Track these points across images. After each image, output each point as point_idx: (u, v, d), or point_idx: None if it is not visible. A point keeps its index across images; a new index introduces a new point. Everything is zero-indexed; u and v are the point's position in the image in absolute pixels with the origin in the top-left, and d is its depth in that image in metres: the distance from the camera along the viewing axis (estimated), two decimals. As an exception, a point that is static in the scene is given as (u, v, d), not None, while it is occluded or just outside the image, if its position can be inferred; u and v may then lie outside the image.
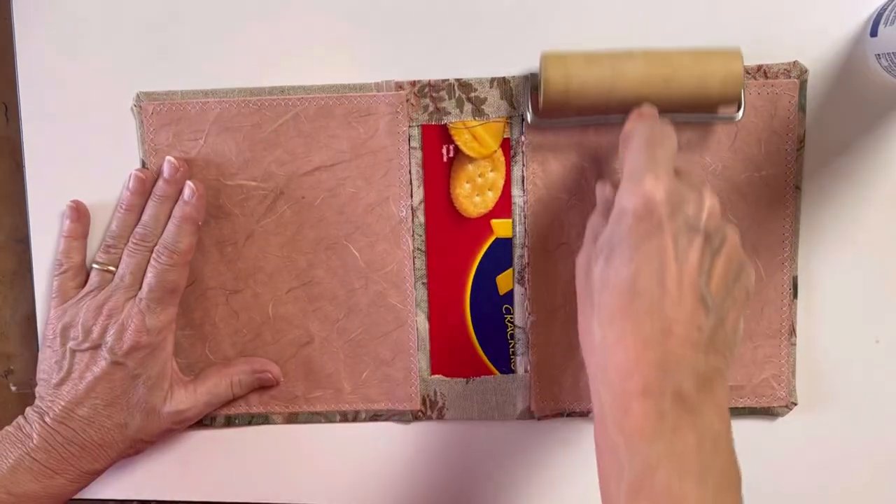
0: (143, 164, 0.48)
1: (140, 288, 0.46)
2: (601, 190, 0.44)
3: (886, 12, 0.43)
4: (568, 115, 0.45)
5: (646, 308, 0.35)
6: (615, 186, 0.39)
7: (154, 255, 0.46)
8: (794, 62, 0.46)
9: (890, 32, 0.42)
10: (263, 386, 0.50)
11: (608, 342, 0.36)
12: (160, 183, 0.47)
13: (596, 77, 0.42)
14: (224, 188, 0.48)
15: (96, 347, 0.45)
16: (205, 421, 0.50)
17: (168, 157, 0.47)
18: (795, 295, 0.48)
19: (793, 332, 0.48)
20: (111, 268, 0.47)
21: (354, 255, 0.49)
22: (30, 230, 0.50)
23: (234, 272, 0.49)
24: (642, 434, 0.34)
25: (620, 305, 0.36)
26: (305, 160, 0.48)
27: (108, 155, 0.49)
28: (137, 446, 0.47)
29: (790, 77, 0.46)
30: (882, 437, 0.50)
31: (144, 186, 0.47)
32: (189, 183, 0.47)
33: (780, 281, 0.48)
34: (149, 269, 0.46)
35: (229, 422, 0.51)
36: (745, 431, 0.50)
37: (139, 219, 0.47)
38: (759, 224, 0.47)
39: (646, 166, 0.37)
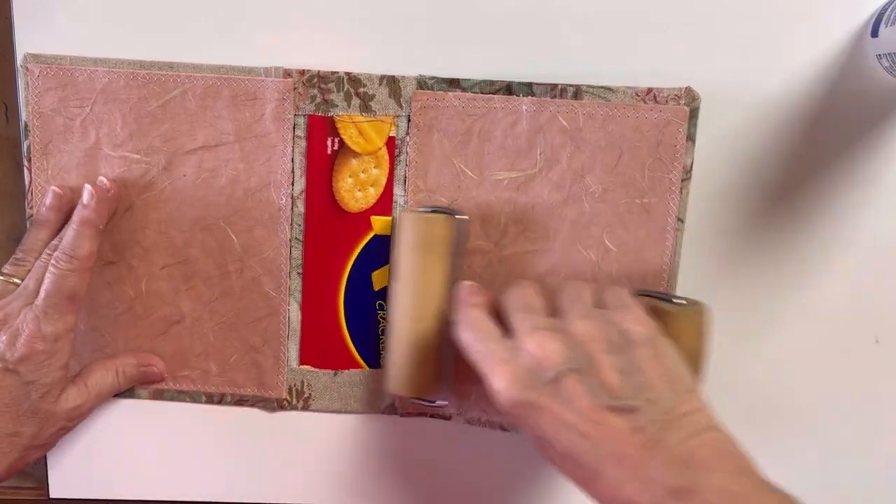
0: (26, 127, 0.48)
1: None
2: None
3: (887, 13, 0.43)
4: None
5: (587, 462, 0.36)
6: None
7: (53, 260, 0.45)
8: (687, 88, 0.45)
9: (891, 33, 0.42)
10: (149, 380, 0.50)
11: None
12: (78, 208, 0.46)
13: None
14: (107, 159, 0.48)
15: None
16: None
17: (87, 186, 0.46)
18: (666, 324, 0.48)
19: (659, 359, 0.48)
20: (16, 279, 0.46)
21: (231, 238, 0.49)
22: None
23: (109, 243, 0.49)
24: None
25: (577, 475, 0.37)
26: (189, 138, 0.48)
27: None
28: (29, 456, 0.45)
29: (680, 103, 0.45)
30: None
31: (61, 202, 0.47)
32: (87, 186, 0.46)
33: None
34: (46, 274, 0.44)
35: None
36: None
37: (51, 235, 0.47)
38: (636, 253, 0.47)
39: (486, 361, 0.39)
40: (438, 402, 0.49)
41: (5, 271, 0.46)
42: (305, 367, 0.50)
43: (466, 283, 0.44)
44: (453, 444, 0.51)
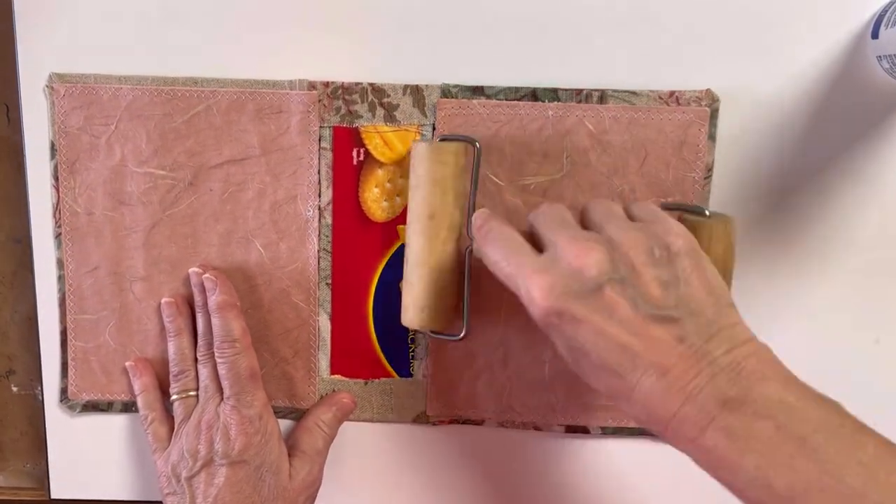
0: (52, 146, 0.48)
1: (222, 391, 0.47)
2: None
3: (887, 14, 0.43)
4: None
5: (625, 373, 0.35)
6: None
7: (217, 353, 0.46)
8: (707, 90, 0.46)
9: (891, 34, 0.42)
10: (346, 413, 0.50)
11: (640, 415, 0.36)
12: (197, 296, 0.48)
13: None
14: (133, 175, 0.48)
15: (209, 463, 0.45)
16: (101, 406, 0.51)
17: (192, 270, 0.48)
18: (693, 321, 0.48)
19: (688, 357, 0.49)
20: (191, 392, 0.48)
21: (259, 250, 0.49)
22: (30, 230, 0.49)
23: (137, 259, 0.49)
24: (725, 458, 0.33)
25: (612, 387, 0.36)
26: (215, 153, 0.48)
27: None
28: None
29: (701, 105, 0.46)
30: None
31: (178, 308, 0.48)
32: (206, 275, 0.47)
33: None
34: (218, 368, 0.46)
35: (126, 408, 0.51)
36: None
37: (190, 338, 0.48)
38: (661, 249, 0.47)
39: (520, 273, 0.37)
40: (459, 335, 0.47)
41: (176, 390, 0.48)
42: (336, 376, 0.50)
43: (484, 209, 0.43)
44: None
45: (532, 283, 0.36)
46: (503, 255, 0.39)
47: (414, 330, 0.49)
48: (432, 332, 0.47)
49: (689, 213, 0.43)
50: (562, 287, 0.36)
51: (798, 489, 0.32)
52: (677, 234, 0.38)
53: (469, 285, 0.46)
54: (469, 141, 0.46)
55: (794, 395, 0.34)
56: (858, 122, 0.46)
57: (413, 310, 0.46)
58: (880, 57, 0.44)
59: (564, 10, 0.46)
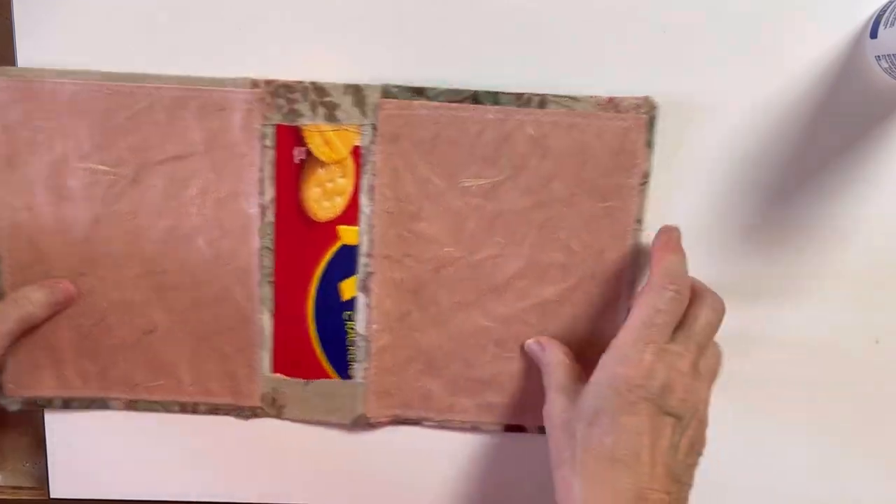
0: (-8, 141, 0.48)
1: None
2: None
3: (886, 14, 0.43)
4: None
5: (623, 475, 0.39)
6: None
7: None
8: (646, 98, 0.47)
9: (890, 34, 0.42)
10: (61, 299, 0.48)
11: (588, 499, 0.40)
12: None
13: None
14: (73, 171, 0.48)
15: None
16: (40, 402, 0.51)
17: None
18: (630, 325, 0.49)
19: (625, 360, 0.49)
20: None
21: (202, 247, 0.49)
22: None
23: (79, 255, 0.49)
24: None
25: (601, 469, 0.40)
26: (159, 149, 0.48)
27: None
28: None
29: (640, 112, 0.47)
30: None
31: None
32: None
33: (614, 311, 0.49)
34: None
35: (66, 404, 0.51)
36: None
37: None
38: (599, 254, 0.48)
39: (648, 338, 0.41)
40: None
41: None
42: (278, 375, 0.51)
43: None
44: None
45: (649, 359, 0.41)
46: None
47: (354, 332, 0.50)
48: None
49: None
50: (664, 383, 0.41)
51: None
52: None
53: None
54: None
55: None
56: (856, 122, 0.47)
57: None
58: (879, 57, 0.44)
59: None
